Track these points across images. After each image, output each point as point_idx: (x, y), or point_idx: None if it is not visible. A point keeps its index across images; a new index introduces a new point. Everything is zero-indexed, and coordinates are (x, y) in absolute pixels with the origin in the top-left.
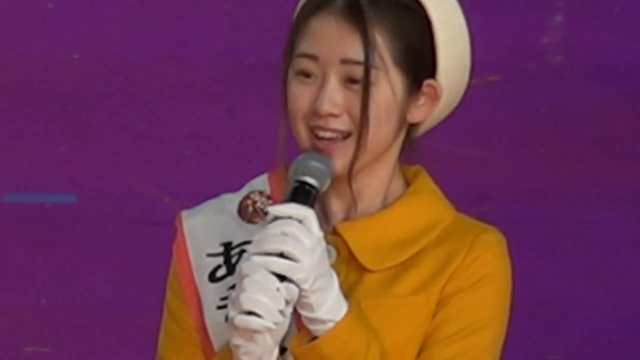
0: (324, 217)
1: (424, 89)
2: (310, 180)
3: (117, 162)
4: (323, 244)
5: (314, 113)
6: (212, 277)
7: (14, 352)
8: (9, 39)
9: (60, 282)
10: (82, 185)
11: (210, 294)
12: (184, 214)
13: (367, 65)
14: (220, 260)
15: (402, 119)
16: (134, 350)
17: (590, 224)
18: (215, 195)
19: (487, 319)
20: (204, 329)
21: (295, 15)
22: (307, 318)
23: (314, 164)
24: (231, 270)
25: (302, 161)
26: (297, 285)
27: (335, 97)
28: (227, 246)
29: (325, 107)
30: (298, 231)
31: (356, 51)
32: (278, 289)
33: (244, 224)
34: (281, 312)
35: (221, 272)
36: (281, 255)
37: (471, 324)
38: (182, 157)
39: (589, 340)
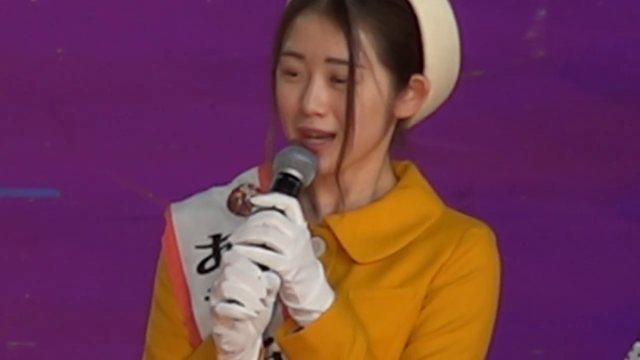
0: (313, 210)
1: (412, 84)
2: (293, 172)
3: (100, 157)
4: (307, 234)
5: (301, 112)
6: (201, 269)
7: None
8: None
9: (43, 277)
10: (66, 181)
11: (199, 285)
12: (174, 206)
13: (352, 64)
14: (209, 252)
15: (390, 115)
16: (119, 345)
17: (574, 220)
18: (199, 189)
19: (475, 313)
20: (192, 321)
21: (283, 12)
22: (292, 309)
23: (298, 156)
24: (220, 262)
25: (287, 154)
26: (280, 276)
27: (321, 96)
28: (216, 238)
29: (311, 105)
30: (280, 222)
31: (341, 50)
32: (259, 278)
33: (232, 216)
34: (262, 300)
35: (210, 263)
36: (263, 246)
37: (458, 318)
38: (166, 153)
39: (574, 334)
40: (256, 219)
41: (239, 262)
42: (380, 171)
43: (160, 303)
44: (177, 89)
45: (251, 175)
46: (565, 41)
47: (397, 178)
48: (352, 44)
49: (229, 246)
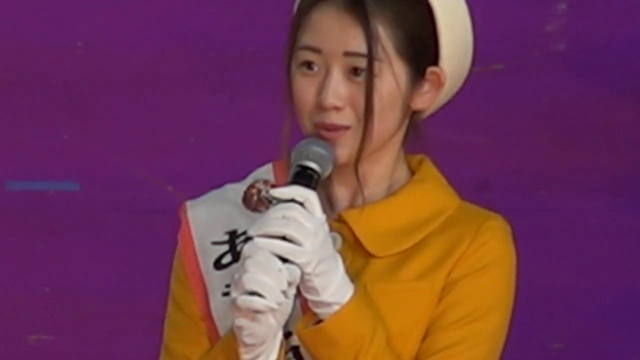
0: (329, 205)
1: (428, 76)
2: (312, 164)
3: (120, 150)
4: (326, 226)
5: (319, 106)
6: (218, 265)
7: (18, 341)
8: (12, 27)
9: (63, 270)
10: (85, 174)
11: (216, 281)
12: (189, 204)
13: (370, 58)
14: (225, 247)
15: (407, 107)
16: (137, 338)
17: (593, 213)
18: (218, 183)
19: (492, 305)
20: (209, 316)
21: (295, 6)
22: (312, 302)
23: (316, 148)
24: (237, 257)
25: (304, 146)
26: (300, 268)
27: (339, 90)
28: (232, 234)
29: (330, 99)
30: (299, 214)
31: (359, 44)
32: (280, 270)
33: (248, 212)
34: (284, 292)
35: (226, 259)
36: (284, 238)
37: (475, 310)
38: (186, 146)
39: (593, 328)
40: (276, 212)
41: (260, 254)
42: (395, 164)
43: (177, 299)
44: (196, 82)
45: (266, 171)
46: (584, 35)
47: (412, 171)
48: (370, 38)
49: (245, 242)
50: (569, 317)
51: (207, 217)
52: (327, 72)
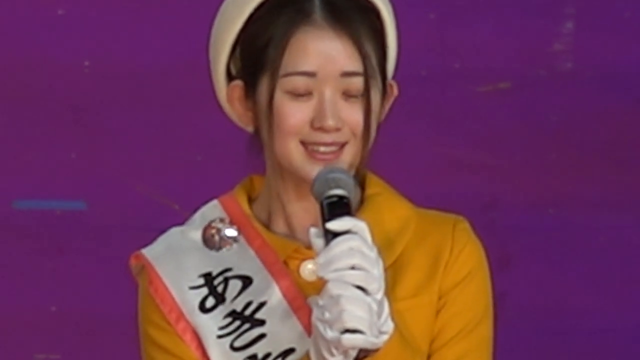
0: (292, 232)
1: (387, 89)
2: (340, 192)
3: (127, 169)
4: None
5: (316, 129)
6: (203, 309)
7: (26, 358)
8: (19, 45)
9: (70, 289)
10: (92, 192)
11: (206, 325)
12: (149, 255)
13: (367, 75)
14: (204, 291)
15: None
16: None
17: (600, 231)
18: None
19: (484, 309)
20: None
21: (242, 28)
22: None
23: (337, 175)
24: (220, 299)
25: (324, 176)
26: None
27: (338, 111)
28: (207, 277)
29: (330, 122)
30: (362, 244)
31: (355, 63)
32: (369, 303)
33: (212, 253)
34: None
35: (210, 302)
36: (352, 268)
37: (472, 319)
38: (192, 164)
39: (601, 346)
40: (339, 245)
41: (348, 290)
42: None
43: (166, 346)
44: (203, 99)
45: (213, 209)
46: (592, 53)
47: (360, 186)
48: (365, 56)
49: (225, 282)
50: (575, 334)
51: (175, 265)
52: (321, 95)
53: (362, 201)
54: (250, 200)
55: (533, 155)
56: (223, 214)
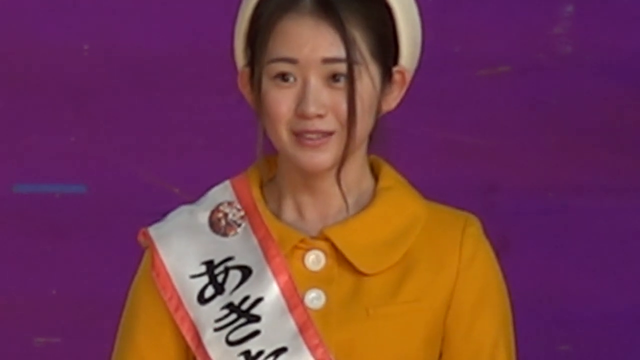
0: (301, 221)
1: (395, 75)
2: None
3: (127, 152)
4: None
5: (299, 116)
6: (201, 299)
7: (25, 343)
8: (19, 29)
9: (70, 273)
10: (92, 176)
11: (204, 316)
12: (154, 233)
13: (350, 62)
14: (205, 279)
15: (379, 109)
16: None
17: (599, 215)
18: None
19: (506, 317)
20: (201, 348)
21: (252, 14)
22: None
23: None
24: (219, 289)
25: None
26: None
27: (320, 98)
28: (209, 265)
29: (311, 109)
30: None
31: (337, 49)
32: None
33: (218, 238)
34: None
35: (209, 292)
36: None
37: (498, 332)
38: (193, 148)
39: (600, 330)
40: None
41: None
42: (363, 169)
43: (156, 314)
44: (204, 84)
45: (223, 191)
46: (591, 37)
47: (374, 176)
48: (348, 42)
49: (226, 272)
50: (576, 318)
51: (177, 248)
52: (305, 81)
53: (373, 194)
54: (263, 183)
55: (533, 139)
56: (232, 197)
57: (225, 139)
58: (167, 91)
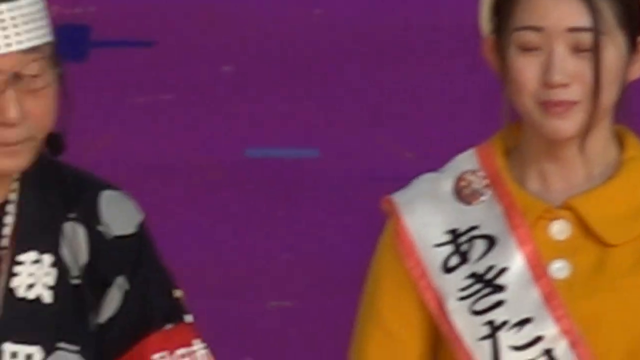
0: (545, 190)
1: (639, 46)
2: None
3: (360, 118)
4: None
5: (544, 85)
6: (446, 268)
7: (259, 306)
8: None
9: (301, 238)
10: (325, 140)
11: (448, 285)
12: (399, 203)
13: (596, 31)
14: (449, 249)
15: (624, 79)
16: None
17: None
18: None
19: None
20: (443, 317)
21: None
22: None
23: None
24: (463, 259)
25: None
26: None
27: (566, 67)
28: (453, 234)
29: (556, 77)
30: None
31: (582, 18)
32: None
33: (462, 206)
34: None
35: (453, 261)
36: None
37: None
38: (428, 115)
39: None
40: None
41: None
42: (608, 139)
43: (391, 302)
44: (443, 50)
45: (468, 159)
46: None
47: (620, 145)
48: (594, 11)
49: (470, 241)
50: None
51: (421, 216)
52: (550, 50)
53: (619, 164)
54: (508, 151)
55: None
56: (477, 166)
57: (460, 106)
58: (401, 60)
